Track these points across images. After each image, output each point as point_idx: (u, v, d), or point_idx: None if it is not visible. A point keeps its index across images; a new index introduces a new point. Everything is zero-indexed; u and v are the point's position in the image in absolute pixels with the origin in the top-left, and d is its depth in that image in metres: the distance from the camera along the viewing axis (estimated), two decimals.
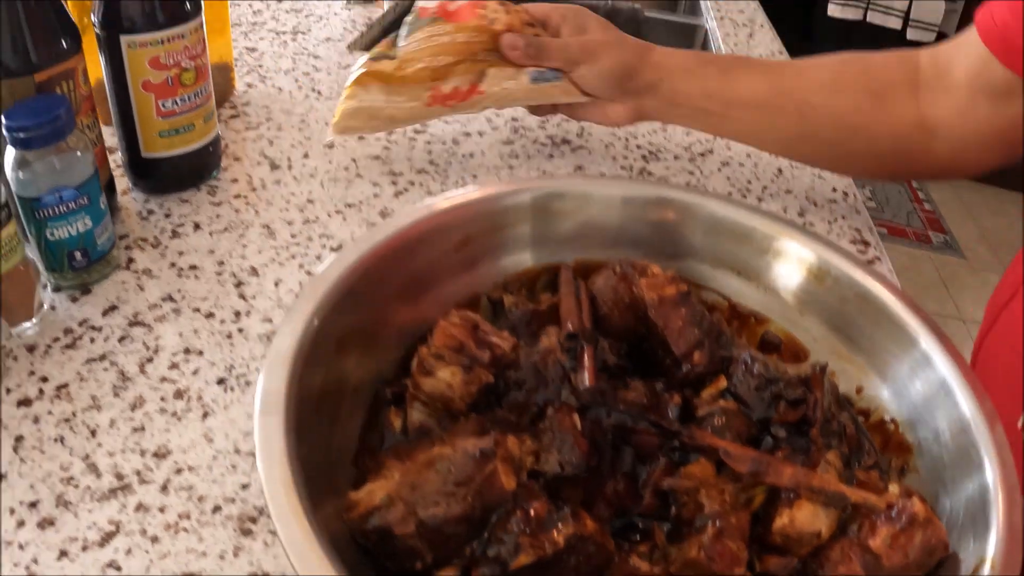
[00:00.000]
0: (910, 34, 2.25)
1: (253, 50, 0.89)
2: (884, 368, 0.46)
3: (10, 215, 0.50)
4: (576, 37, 0.65)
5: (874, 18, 2.21)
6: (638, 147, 0.78)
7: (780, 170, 0.79)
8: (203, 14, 0.61)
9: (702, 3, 1.27)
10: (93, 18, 0.59)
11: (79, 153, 0.53)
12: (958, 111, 0.60)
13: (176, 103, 0.61)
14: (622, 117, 0.66)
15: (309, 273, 0.57)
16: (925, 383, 0.43)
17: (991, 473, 0.36)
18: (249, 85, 0.81)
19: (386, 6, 1.03)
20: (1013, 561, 0.33)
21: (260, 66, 0.86)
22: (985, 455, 0.37)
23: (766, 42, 1.13)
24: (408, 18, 0.66)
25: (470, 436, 0.37)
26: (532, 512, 0.35)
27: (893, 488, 0.40)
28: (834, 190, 0.77)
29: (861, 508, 0.38)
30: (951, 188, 2.67)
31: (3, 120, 0.50)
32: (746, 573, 0.37)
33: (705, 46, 1.20)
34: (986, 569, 0.34)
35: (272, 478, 0.32)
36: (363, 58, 0.65)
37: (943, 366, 0.42)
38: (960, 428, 0.39)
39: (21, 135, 0.50)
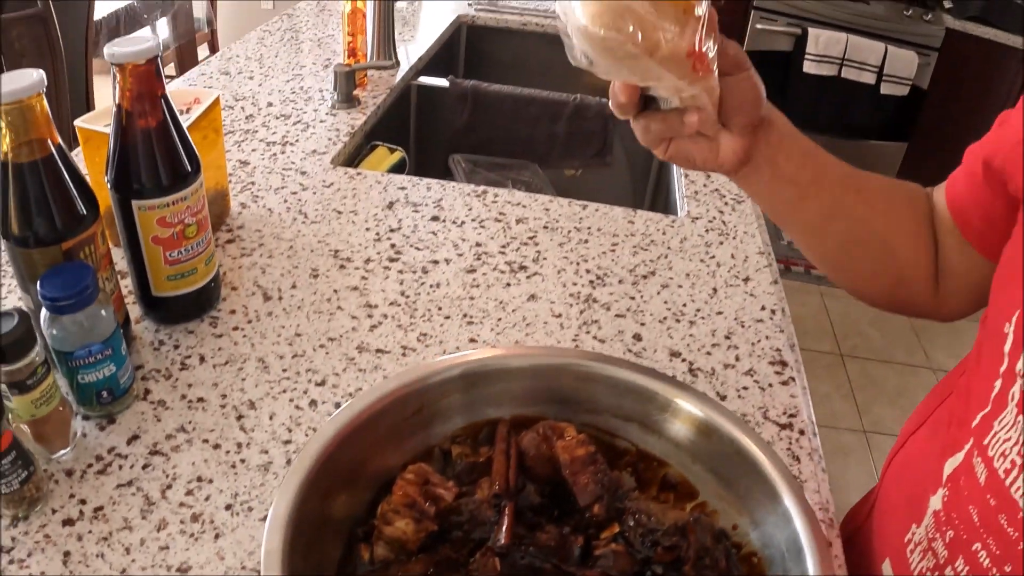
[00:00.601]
0: (884, 88, 2.43)
1: (246, 163, 1.05)
2: (753, 512, 0.62)
3: (48, 370, 0.65)
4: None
5: (849, 74, 2.39)
6: (587, 271, 0.94)
7: (715, 290, 0.95)
8: (202, 174, 0.76)
9: None
10: (107, 179, 0.73)
11: (103, 312, 0.68)
12: (944, 256, 0.65)
13: (181, 253, 0.77)
14: (734, 154, 0.60)
15: (298, 408, 0.73)
16: (783, 534, 0.59)
17: None
18: (243, 205, 0.98)
19: (368, 111, 1.19)
20: None
21: (252, 183, 1.02)
22: None
23: None
24: None
25: None
26: None
27: None
28: (763, 308, 0.93)
29: None
30: None
31: (39, 288, 0.64)
32: None
33: None
34: None
35: None
36: None
37: (799, 524, 0.58)
38: None
39: (56, 304, 0.64)
